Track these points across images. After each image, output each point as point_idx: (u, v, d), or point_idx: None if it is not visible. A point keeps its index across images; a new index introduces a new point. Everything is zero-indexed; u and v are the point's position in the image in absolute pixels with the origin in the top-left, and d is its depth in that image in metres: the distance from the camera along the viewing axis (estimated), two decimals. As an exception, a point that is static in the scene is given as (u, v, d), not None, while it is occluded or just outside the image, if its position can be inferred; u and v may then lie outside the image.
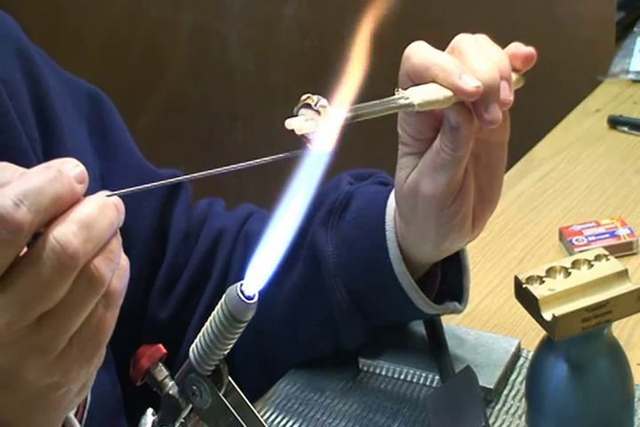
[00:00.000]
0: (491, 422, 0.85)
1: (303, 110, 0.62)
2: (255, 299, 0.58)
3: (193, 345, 0.61)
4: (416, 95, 0.70)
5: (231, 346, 0.60)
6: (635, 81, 1.45)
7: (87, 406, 0.79)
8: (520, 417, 0.86)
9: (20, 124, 0.79)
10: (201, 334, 0.60)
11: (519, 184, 1.22)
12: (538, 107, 1.66)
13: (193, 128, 2.17)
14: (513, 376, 0.90)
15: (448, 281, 0.87)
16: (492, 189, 0.80)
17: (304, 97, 0.62)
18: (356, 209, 0.86)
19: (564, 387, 0.73)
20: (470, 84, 0.71)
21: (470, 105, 0.73)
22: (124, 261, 0.56)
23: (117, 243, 0.55)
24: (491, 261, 1.08)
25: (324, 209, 0.87)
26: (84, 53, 2.18)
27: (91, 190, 0.86)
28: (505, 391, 0.89)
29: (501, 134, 0.78)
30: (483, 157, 0.79)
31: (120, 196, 0.89)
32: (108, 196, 0.56)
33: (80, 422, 0.78)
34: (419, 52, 0.74)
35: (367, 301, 0.86)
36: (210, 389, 0.61)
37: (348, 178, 0.90)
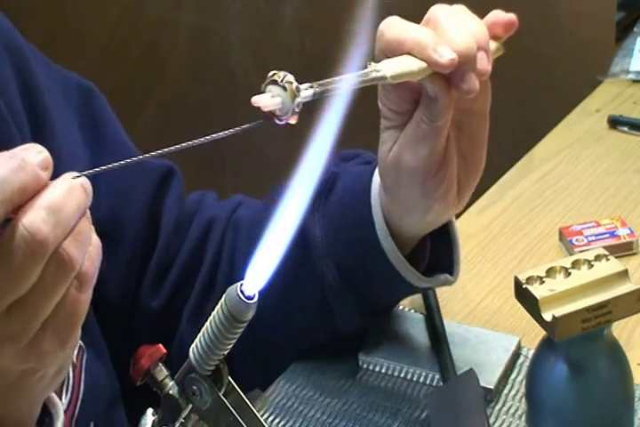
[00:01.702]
0: (491, 422, 0.85)
1: (270, 87, 0.62)
2: (255, 299, 0.58)
3: (193, 345, 0.61)
4: (389, 67, 0.70)
5: (231, 346, 0.60)
6: (635, 81, 1.44)
7: (80, 397, 0.79)
8: (520, 417, 0.86)
9: (10, 118, 0.79)
10: (201, 334, 0.60)
11: (519, 184, 1.22)
12: (538, 107, 1.66)
13: (193, 128, 2.17)
14: (513, 375, 0.90)
15: (438, 254, 0.87)
16: (475, 158, 0.80)
17: (270, 73, 0.62)
18: (341, 189, 0.86)
19: (563, 387, 0.73)
20: (445, 56, 0.71)
21: (447, 75, 0.73)
22: (96, 241, 0.56)
23: (87, 223, 0.55)
24: (491, 261, 1.08)
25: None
26: (84, 53, 2.18)
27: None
28: (505, 391, 0.89)
29: (482, 103, 0.78)
30: (465, 127, 0.79)
31: (111, 186, 0.89)
32: (75, 177, 0.55)
33: (73, 414, 0.78)
34: (392, 28, 0.73)
35: (358, 278, 0.86)
36: (210, 389, 0.61)
37: (333, 159, 0.90)
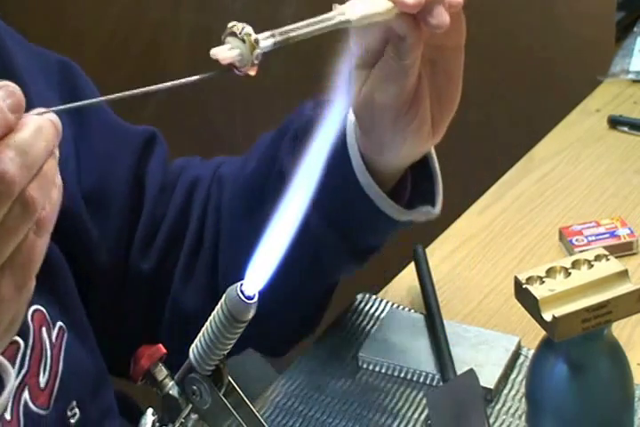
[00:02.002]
0: (491, 422, 0.85)
1: (229, 39, 0.62)
2: (255, 299, 0.58)
3: (193, 345, 0.61)
4: (354, 9, 0.68)
5: (231, 346, 0.60)
6: (635, 81, 1.44)
7: (59, 375, 0.80)
8: (520, 417, 0.86)
9: None
10: (201, 334, 0.60)
11: (519, 184, 1.22)
12: (538, 107, 1.66)
13: (193, 127, 2.17)
14: (513, 375, 0.90)
15: (421, 191, 0.87)
16: (449, 92, 0.80)
17: (230, 25, 0.62)
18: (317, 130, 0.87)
19: (564, 387, 0.73)
20: (415, 5, 0.70)
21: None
22: (59, 183, 0.55)
23: (54, 164, 0.55)
24: (491, 261, 1.08)
25: (288, 137, 0.88)
26: (84, 53, 2.18)
27: (62, 153, 0.87)
28: (505, 391, 0.89)
29: (456, 37, 0.77)
30: (439, 62, 0.78)
31: (96, 153, 0.90)
32: (42, 113, 0.55)
33: (52, 392, 0.79)
34: None
35: (340, 218, 0.86)
36: (210, 389, 0.61)
37: (310, 104, 0.90)
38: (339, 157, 0.84)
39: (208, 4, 2.08)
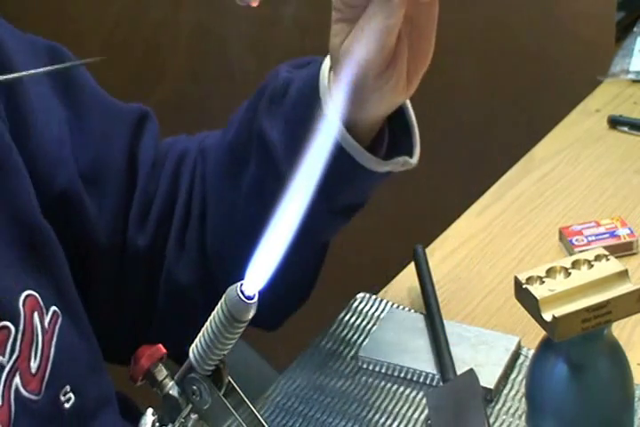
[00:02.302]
0: (491, 422, 0.85)
1: None
2: (255, 299, 0.58)
3: (193, 345, 0.61)
4: None
5: (231, 346, 0.60)
6: (635, 81, 1.44)
7: (50, 360, 0.81)
8: (520, 417, 0.86)
9: None
10: (201, 334, 0.60)
11: (519, 184, 1.22)
12: (538, 107, 1.66)
13: (193, 127, 2.17)
14: (513, 375, 0.90)
15: (397, 142, 0.87)
16: (424, 47, 0.80)
17: None
18: (295, 90, 0.87)
19: (564, 387, 0.73)
20: None
21: None
22: None
23: None
24: (491, 261, 1.08)
25: (264, 99, 0.88)
26: (84, 53, 2.18)
27: (57, 135, 0.88)
28: (505, 391, 0.89)
29: None
30: (414, 18, 0.79)
31: (91, 131, 0.92)
32: None
33: (43, 377, 0.80)
34: None
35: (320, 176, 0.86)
36: (210, 389, 0.61)
37: (285, 67, 0.91)
38: (314, 114, 0.83)
39: (208, 3, 2.08)
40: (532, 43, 1.67)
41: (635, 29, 1.52)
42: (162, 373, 0.63)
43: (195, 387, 0.61)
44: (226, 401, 0.61)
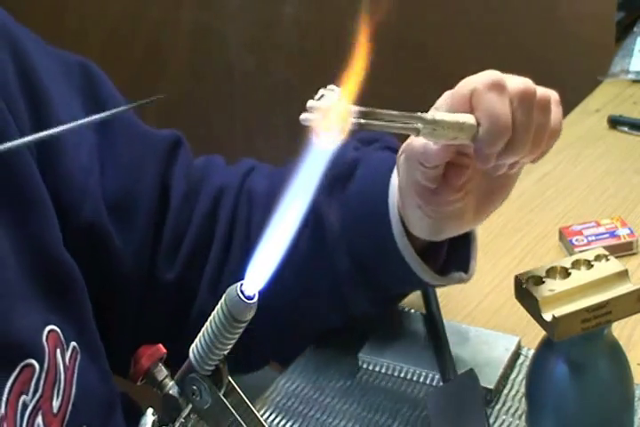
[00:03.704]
0: (491, 422, 0.85)
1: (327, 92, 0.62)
2: (255, 299, 0.57)
3: (193, 345, 0.61)
4: (435, 115, 0.67)
5: (231, 346, 0.60)
6: (635, 81, 1.44)
7: (72, 400, 0.79)
8: (520, 417, 0.86)
9: (4, 104, 0.78)
10: (201, 334, 0.60)
11: (519, 184, 1.21)
12: (538, 107, 1.65)
13: (193, 127, 2.17)
14: (513, 375, 0.90)
15: (455, 251, 0.87)
16: (499, 197, 0.82)
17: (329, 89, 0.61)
18: (361, 177, 0.86)
19: (564, 387, 0.73)
20: (488, 161, 0.71)
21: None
22: None
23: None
24: (491, 261, 1.08)
25: (328, 177, 0.87)
26: (85, 53, 2.18)
27: (86, 162, 0.85)
28: (505, 391, 0.89)
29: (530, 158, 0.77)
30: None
31: (121, 160, 0.89)
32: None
33: (64, 418, 0.78)
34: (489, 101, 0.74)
35: (370, 270, 0.86)
36: (210, 389, 0.61)
37: (353, 143, 0.89)
38: (378, 213, 0.83)
39: (208, 3, 2.08)
40: (532, 43, 1.67)
41: (635, 29, 1.53)
42: (162, 373, 0.63)
43: (195, 387, 0.61)
44: (226, 401, 0.61)
